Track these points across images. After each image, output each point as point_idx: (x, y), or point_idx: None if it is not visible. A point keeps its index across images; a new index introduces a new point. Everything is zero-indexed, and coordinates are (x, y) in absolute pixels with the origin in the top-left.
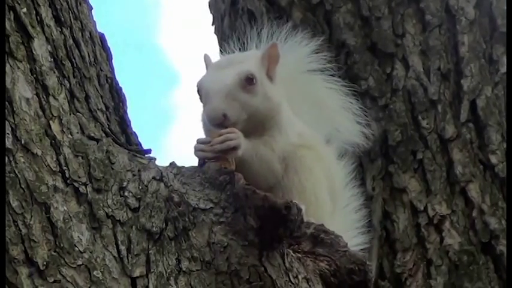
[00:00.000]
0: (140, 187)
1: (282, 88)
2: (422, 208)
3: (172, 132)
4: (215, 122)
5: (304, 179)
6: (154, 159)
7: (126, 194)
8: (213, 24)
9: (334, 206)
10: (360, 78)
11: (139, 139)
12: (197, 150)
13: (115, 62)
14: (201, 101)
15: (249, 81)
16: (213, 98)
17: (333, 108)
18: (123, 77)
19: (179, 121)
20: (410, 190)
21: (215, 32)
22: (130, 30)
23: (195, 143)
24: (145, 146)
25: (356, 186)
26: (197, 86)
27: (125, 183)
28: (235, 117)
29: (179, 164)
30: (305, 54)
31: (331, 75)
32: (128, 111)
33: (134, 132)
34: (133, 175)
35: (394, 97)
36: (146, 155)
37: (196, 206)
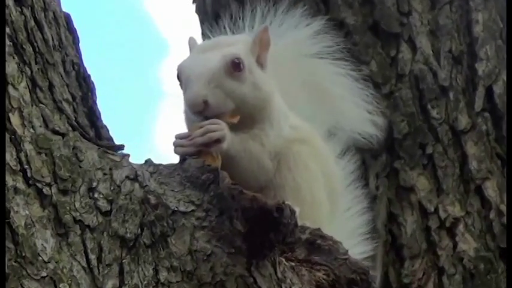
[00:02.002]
0: (112, 188)
1: (274, 76)
2: (432, 209)
3: (161, 107)
4: (195, 109)
5: (299, 177)
6: (128, 155)
7: (96, 195)
8: (193, 2)
9: (333, 207)
10: (361, 62)
11: (111, 133)
12: (176, 146)
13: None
14: (181, 87)
15: (235, 66)
16: (193, 82)
17: (339, 95)
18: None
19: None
20: (418, 189)
21: (196, 11)
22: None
23: (174, 138)
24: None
25: (359, 187)
26: (177, 70)
27: (94, 184)
28: (218, 105)
29: (158, 160)
30: (306, 36)
31: (335, 58)
32: (98, 101)
33: (105, 126)
34: (104, 174)
35: (399, 83)
36: (119, 151)
37: (175, 208)
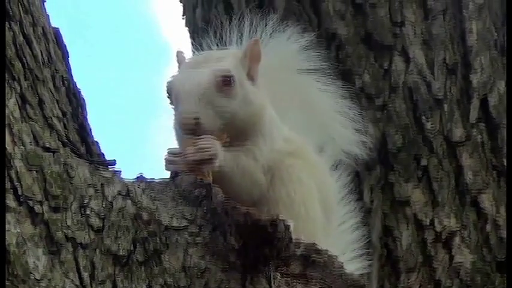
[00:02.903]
0: (104, 204)
1: (265, 90)
2: (428, 222)
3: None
4: (186, 128)
5: (293, 191)
6: (120, 171)
7: (87, 212)
8: (183, 16)
9: (327, 221)
10: (354, 74)
11: (101, 148)
12: (168, 163)
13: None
14: (172, 104)
15: (226, 82)
16: (184, 100)
17: (327, 113)
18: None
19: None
20: (414, 202)
21: (186, 25)
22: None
23: (166, 154)
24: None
25: (353, 200)
26: (167, 87)
27: (86, 200)
28: (209, 123)
29: (150, 175)
30: (295, 51)
31: (325, 75)
32: (88, 116)
33: (96, 141)
34: (96, 191)
35: (393, 95)
36: (110, 167)
37: (168, 224)
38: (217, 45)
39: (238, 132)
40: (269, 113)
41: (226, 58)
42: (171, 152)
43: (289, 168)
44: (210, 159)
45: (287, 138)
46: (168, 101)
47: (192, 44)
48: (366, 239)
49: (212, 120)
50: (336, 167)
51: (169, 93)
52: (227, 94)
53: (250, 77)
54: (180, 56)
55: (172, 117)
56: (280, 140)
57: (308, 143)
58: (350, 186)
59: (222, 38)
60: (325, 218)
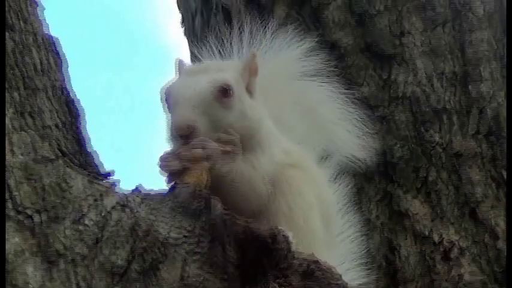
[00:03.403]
0: (102, 215)
1: (263, 102)
2: (427, 233)
3: None
4: (181, 132)
5: (292, 202)
6: (117, 182)
7: (85, 223)
8: (182, 25)
9: (327, 232)
10: (354, 85)
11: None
12: (162, 163)
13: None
14: (168, 111)
15: (224, 92)
16: (181, 105)
17: (329, 118)
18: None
19: None
20: (413, 213)
21: (185, 34)
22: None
23: (160, 156)
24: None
25: (352, 211)
26: (164, 93)
27: (83, 211)
28: (204, 132)
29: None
30: (295, 57)
31: (327, 79)
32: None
33: (93, 151)
34: (94, 201)
35: (393, 106)
36: (107, 178)
37: (167, 235)
38: (218, 54)
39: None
40: (266, 127)
41: (227, 70)
42: (165, 153)
43: (289, 179)
44: (206, 158)
45: (286, 149)
46: (165, 107)
47: (191, 52)
48: (365, 249)
49: (207, 129)
50: (337, 176)
51: (166, 99)
52: (224, 105)
53: (249, 90)
54: (180, 64)
55: (168, 125)
56: (279, 151)
57: (307, 154)
58: (350, 197)
59: (221, 47)
60: (325, 229)
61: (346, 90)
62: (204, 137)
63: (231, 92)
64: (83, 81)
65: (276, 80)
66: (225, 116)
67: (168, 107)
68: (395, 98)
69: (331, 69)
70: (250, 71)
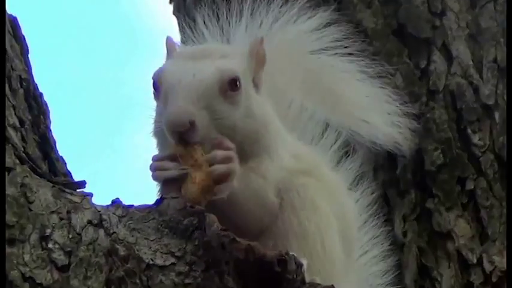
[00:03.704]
0: (71, 236)
1: (268, 99)
2: (475, 261)
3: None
4: (177, 128)
5: (306, 219)
6: (91, 195)
7: (50, 245)
8: (171, 2)
9: (347, 255)
10: (382, 76)
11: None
12: (155, 170)
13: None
14: (158, 98)
15: (231, 85)
16: (179, 95)
17: (353, 99)
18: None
19: None
20: (457, 235)
21: (174, 13)
22: None
23: (151, 161)
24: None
25: (378, 224)
26: (155, 77)
27: (48, 231)
28: (204, 130)
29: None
30: (308, 30)
31: (348, 53)
32: (52, 126)
33: (61, 157)
34: (61, 219)
35: (431, 102)
36: (79, 190)
37: (151, 261)
38: (215, 33)
39: (237, 151)
40: (275, 128)
41: (232, 56)
42: (157, 158)
43: (300, 189)
44: (227, 176)
45: (296, 154)
46: (154, 95)
47: (182, 33)
48: (395, 274)
49: (207, 127)
50: (358, 182)
51: (157, 84)
52: (230, 100)
53: (255, 83)
54: (170, 42)
55: (155, 116)
56: (287, 155)
57: (321, 157)
58: (375, 207)
59: (218, 26)
60: (346, 253)
61: (369, 63)
62: (204, 134)
63: (239, 84)
64: (51, 72)
65: (284, 58)
66: (230, 114)
67: (158, 95)
68: (435, 91)
69: (351, 41)
70: (257, 59)
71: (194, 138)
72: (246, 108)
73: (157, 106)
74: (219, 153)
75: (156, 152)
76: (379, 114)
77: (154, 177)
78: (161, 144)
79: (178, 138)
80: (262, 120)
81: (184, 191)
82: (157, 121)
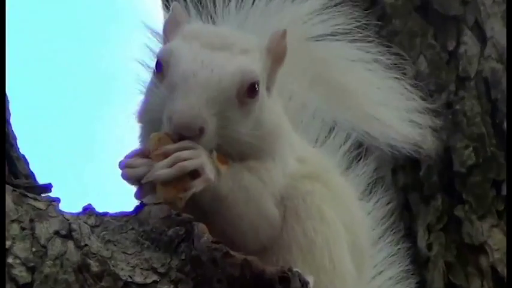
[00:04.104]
0: (34, 249)
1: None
2: None
3: None
4: (184, 131)
5: (311, 229)
6: (58, 201)
7: (10, 260)
8: None
9: (360, 273)
10: (404, 60)
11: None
12: (124, 168)
13: None
14: (160, 81)
15: (251, 90)
16: (193, 92)
17: (364, 93)
18: None
19: None
20: (492, 248)
21: None
22: None
23: (121, 159)
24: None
25: (395, 241)
26: (162, 56)
27: (8, 243)
28: (211, 138)
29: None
30: (309, 12)
31: (357, 39)
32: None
33: (23, 156)
34: (23, 229)
35: (461, 91)
36: (43, 194)
37: (129, 279)
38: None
39: (235, 155)
40: (282, 132)
41: (252, 53)
42: (130, 154)
43: (305, 196)
44: (197, 174)
45: (302, 157)
46: (153, 74)
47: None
48: None
49: (214, 134)
50: (371, 190)
51: (161, 66)
52: (245, 108)
53: (268, 85)
54: (178, 12)
55: (144, 96)
56: (292, 160)
57: (328, 161)
58: (391, 220)
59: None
60: (357, 269)
61: (383, 51)
62: (210, 141)
63: (257, 91)
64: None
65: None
66: (239, 125)
67: (161, 77)
68: (466, 78)
69: (360, 24)
70: (275, 56)
71: (197, 143)
72: (256, 120)
73: (155, 86)
74: (179, 153)
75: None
76: (393, 110)
77: (123, 176)
78: (148, 131)
79: (178, 139)
80: (270, 130)
81: (158, 191)
82: (151, 106)
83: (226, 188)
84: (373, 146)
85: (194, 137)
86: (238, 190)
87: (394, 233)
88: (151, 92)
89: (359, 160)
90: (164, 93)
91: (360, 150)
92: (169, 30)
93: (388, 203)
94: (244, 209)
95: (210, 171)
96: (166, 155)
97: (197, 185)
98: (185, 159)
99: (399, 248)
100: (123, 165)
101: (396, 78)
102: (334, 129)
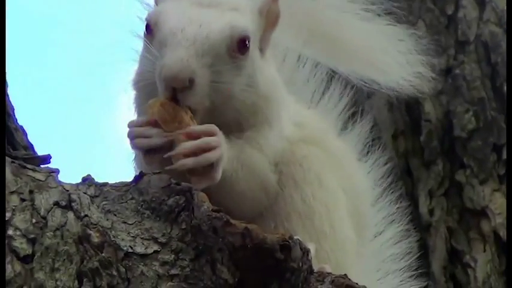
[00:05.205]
0: (34, 220)
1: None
2: None
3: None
4: (174, 83)
5: (310, 196)
6: (57, 171)
7: (10, 232)
8: None
9: (360, 237)
10: (403, 24)
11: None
12: (135, 138)
13: None
14: (151, 43)
15: (241, 45)
16: (181, 45)
17: (357, 43)
18: None
19: None
20: (493, 212)
21: None
22: None
23: (128, 127)
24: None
25: (394, 199)
26: (150, 19)
27: (7, 215)
28: (202, 91)
29: (101, 178)
30: None
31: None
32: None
33: (21, 127)
34: (22, 200)
35: (461, 55)
36: (42, 165)
37: (130, 249)
38: None
39: (231, 121)
40: (278, 95)
41: (243, 11)
42: (136, 123)
43: (302, 161)
44: (212, 166)
45: (298, 121)
46: (145, 39)
47: None
48: (418, 261)
49: (205, 89)
50: (369, 150)
51: (150, 29)
52: (236, 64)
53: (261, 47)
54: None
55: (142, 63)
56: (289, 124)
57: (326, 123)
58: (389, 179)
59: None
60: (358, 234)
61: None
62: (201, 95)
63: (248, 45)
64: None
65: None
66: (231, 80)
67: (151, 40)
68: (465, 42)
69: None
70: (268, 19)
71: (188, 100)
72: (248, 77)
73: (146, 51)
74: (205, 139)
75: (132, 108)
76: (389, 54)
77: (135, 146)
78: (143, 99)
79: (171, 96)
80: (264, 91)
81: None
82: (144, 71)
83: (230, 168)
84: (368, 104)
85: (185, 91)
86: (241, 169)
87: (392, 192)
88: (142, 56)
89: (355, 121)
90: (155, 54)
91: (356, 109)
92: None
93: (386, 163)
94: (246, 186)
95: (220, 169)
96: (189, 136)
97: (202, 184)
98: (209, 149)
99: (398, 207)
100: (133, 135)
101: (389, 24)
102: (329, 90)
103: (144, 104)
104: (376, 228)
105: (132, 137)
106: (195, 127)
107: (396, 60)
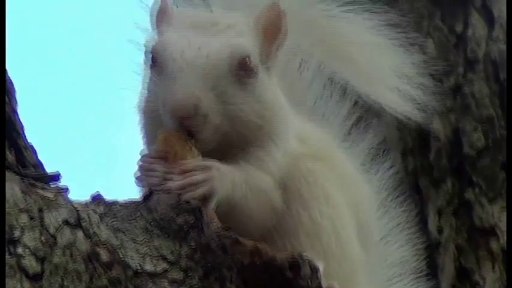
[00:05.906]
0: (43, 239)
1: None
2: None
3: None
4: (179, 113)
5: (317, 213)
6: (66, 189)
7: (19, 251)
8: None
9: (367, 252)
10: (411, 43)
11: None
12: (144, 172)
13: None
14: (155, 73)
15: (243, 66)
16: (182, 72)
17: (367, 62)
18: None
19: None
20: (503, 231)
21: None
22: None
23: (139, 160)
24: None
25: (396, 206)
26: (156, 48)
27: (17, 233)
28: (213, 115)
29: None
30: None
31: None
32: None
33: (31, 146)
34: (31, 218)
35: (470, 73)
36: (52, 184)
37: (139, 268)
38: None
39: (236, 140)
40: (283, 112)
41: (241, 28)
42: (148, 157)
43: (308, 175)
44: (205, 198)
45: (302, 136)
46: (149, 68)
47: None
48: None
49: (214, 112)
50: (372, 157)
51: (156, 57)
52: (242, 84)
53: (264, 61)
54: (163, 4)
55: (146, 91)
56: (293, 139)
57: (329, 137)
58: (396, 189)
59: None
60: (364, 248)
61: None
62: (208, 121)
63: (250, 66)
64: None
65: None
66: (239, 100)
67: (155, 69)
68: (474, 61)
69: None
70: (268, 32)
71: (197, 124)
72: (253, 94)
73: (152, 79)
74: (194, 177)
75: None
76: (398, 76)
77: (139, 180)
78: (149, 125)
79: (179, 124)
80: (269, 107)
81: None
82: (149, 100)
83: (239, 194)
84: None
85: (194, 118)
86: (250, 193)
87: (395, 198)
88: (149, 84)
89: (359, 127)
90: (158, 83)
91: (357, 116)
92: (157, 19)
93: (390, 167)
94: (255, 207)
95: (217, 198)
96: (181, 172)
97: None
98: (197, 183)
99: (403, 211)
100: (143, 168)
101: (387, 36)
102: (331, 96)
103: (151, 131)
104: (380, 232)
105: (141, 170)
106: (188, 163)
107: (403, 81)
